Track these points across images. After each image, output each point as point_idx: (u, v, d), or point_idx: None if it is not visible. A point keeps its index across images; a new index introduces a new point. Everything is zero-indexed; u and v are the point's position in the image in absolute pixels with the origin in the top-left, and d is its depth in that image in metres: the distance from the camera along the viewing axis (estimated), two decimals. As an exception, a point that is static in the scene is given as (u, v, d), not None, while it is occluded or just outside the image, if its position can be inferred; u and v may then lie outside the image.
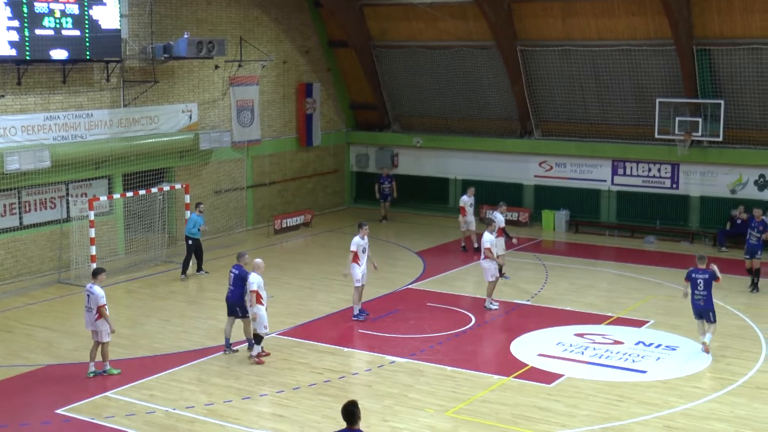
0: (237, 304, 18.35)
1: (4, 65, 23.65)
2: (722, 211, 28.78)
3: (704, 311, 18.29)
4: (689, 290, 18.38)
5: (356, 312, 20.83)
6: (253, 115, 31.05)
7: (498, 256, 22.06)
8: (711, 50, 27.81)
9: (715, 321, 18.35)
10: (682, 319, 20.35)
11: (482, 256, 21.68)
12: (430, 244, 29.04)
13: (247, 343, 18.56)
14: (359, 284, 20.66)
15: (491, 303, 21.63)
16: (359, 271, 20.56)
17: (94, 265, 23.59)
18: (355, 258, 20.57)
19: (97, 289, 17.14)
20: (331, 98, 35.02)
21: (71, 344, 19.26)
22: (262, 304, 17.78)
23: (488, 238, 21.63)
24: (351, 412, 9.85)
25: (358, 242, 20.62)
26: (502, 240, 23.97)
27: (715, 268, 18.31)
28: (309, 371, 17.53)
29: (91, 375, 17.24)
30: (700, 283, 18.19)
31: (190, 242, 24.83)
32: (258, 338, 17.95)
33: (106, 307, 17.08)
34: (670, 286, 23.59)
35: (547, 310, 21.70)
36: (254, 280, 17.79)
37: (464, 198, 28.24)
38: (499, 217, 24.39)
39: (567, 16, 29.58)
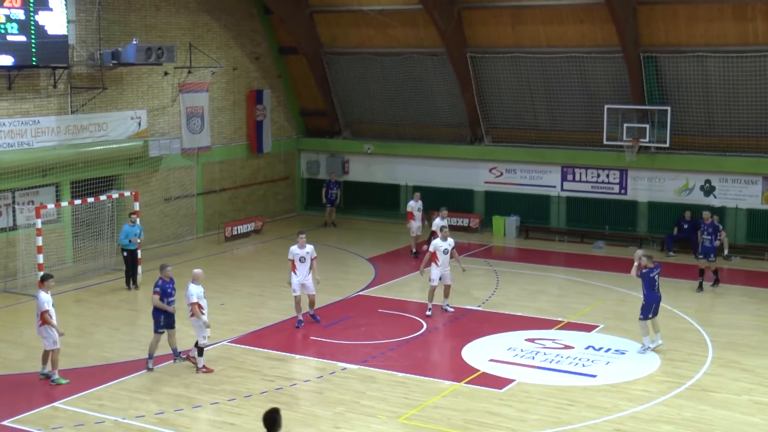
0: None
1: (-51, 71, 23.32)
2: (670, 216, 29.17)
3: (658, 304, 19.09)
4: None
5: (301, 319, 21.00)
6: (203, 122, 30.86)
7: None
8: (657, 57, 28.20)
9: None
10: (632, 324, 20.56)
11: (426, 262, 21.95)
12: (381, 251, 29.08)
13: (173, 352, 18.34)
14: (296, 294, 20.71)
15: (428, 310, 21.74)
16: (295, 280, 20.58)
17: (41, 274, 23.34)
18: (293, 267, 20.64)
19: (43, 295, 16.95)
20: (282, 105, 34.94)
21: (18, 354, 18.99)
22: (203, 314, 17.68)
23: (434, 243, 21.92)
24: (273, 418, 9.85)
25: (293, 251, 20.64)
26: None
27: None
28: (260, 379, 17.46)
29: (42, 377, 17.25)
30: (657, 278, 19.00)
31: (125, 253, 24.35)
32: (201, 349, 17.82)
33: (48, 312, 16.85)
34: (620, 290, 23.85)
35: (498, 316, 21.81)
36: (193, 291, 17.66)
37: (411, 203, 28.41)
38: (436, 222, 24.85)
39: (516, 23, 29.81)
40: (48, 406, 16.09)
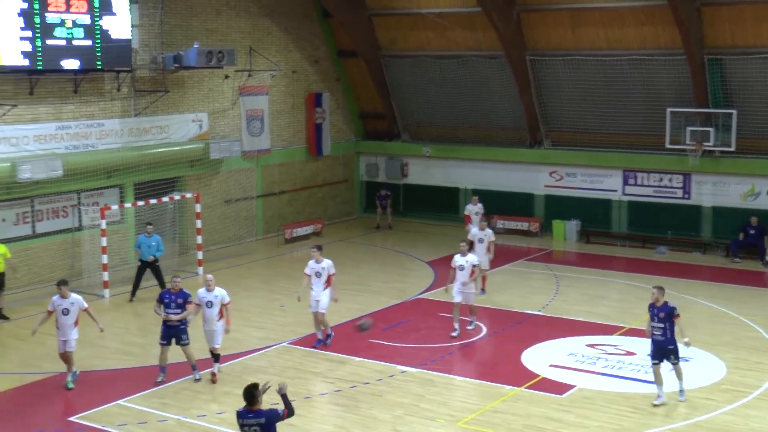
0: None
1: (17, 75, 23.74)
2: (735, 221, 28.67)
3: (661, 350, 16.24)
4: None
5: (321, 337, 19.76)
6: (262, 125, 31.09)
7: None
8: (722, 59, 27.75)
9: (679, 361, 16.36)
10: (695, 330, 20.25)
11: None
12: (440, 254, 28.98)
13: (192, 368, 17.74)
14: (312, 310, 19.55)
15: (454, 331, 20.31)
16: (311, 295, 19.46)
17: (106, 274, 23.71)
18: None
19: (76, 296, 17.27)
20: (341, 108, 35.06)
21: (84, 352, 19.23)
22: (223, 320, 17.47)
23: (454, 259, 20.61)
24: (251, 394, 11.20)
25: (309, 265, 19.45)
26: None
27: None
28: (320, 381, 17.52)
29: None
30: (656, 319, 16.22)
31: (139, 263, 23.60)
32: (217, 356, 17.56)
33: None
34: (683, 297, 23.51)
35: (559, 321, 21.64)
36: (200, 295, 17.40)
37: (469, 206, 28.24)
38: (473, 232, 24.03)
39: (576, 25, 29.57)
40: (113, 403, 16.31)
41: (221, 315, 17.45)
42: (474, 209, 27.98)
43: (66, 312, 17.00)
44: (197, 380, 17.34)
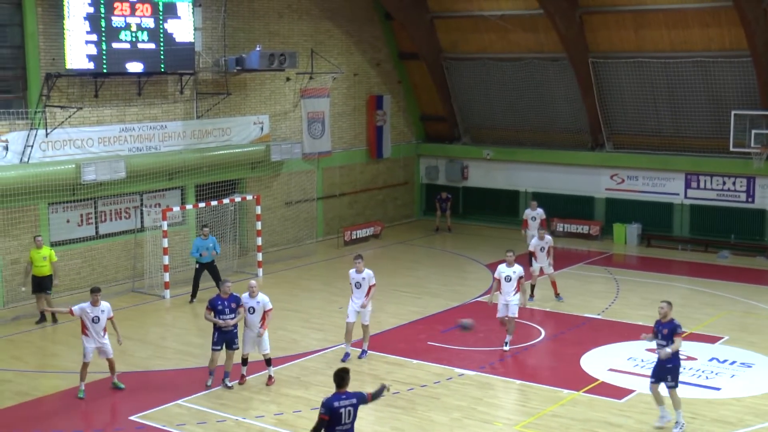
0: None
1: (83, 78, 24.17)
2: (799, 225, 28.20)
3: (662, 369, 15.24)
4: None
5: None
6: (323, 127, 31.26)
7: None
8: (789, 61, 27.31)
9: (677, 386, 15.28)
10: (759, 336, 19.98)
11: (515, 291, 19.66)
12: (499, 257, 28.60)
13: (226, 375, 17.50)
14: (349, 321, 18.86)
15: (505, 344, 19.57)
16: (351, 306, 18.91)
17: (167, 275, 24.00)
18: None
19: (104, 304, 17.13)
20: (402, 110, 35.11)
21: (145, 352, 19.56)
22: (261, 327, 17.23)
23: (498, 269, 19.86)
24: (341, 377, 11.59)
25: (351, 275, 18.91)
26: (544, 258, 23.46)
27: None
28: (378, 383, 17.49)
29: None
30: (660, 336, 15.32)
31: (197, 265, 23.79)
32: (268, 360, 17.46)
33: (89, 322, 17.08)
34: (746, 302, 23.16)
35: (619, 325, 21.44)
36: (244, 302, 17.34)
37: (527, 211, 27.69)
38: (533, 243, 23.78)
39: (639, 27, 29.28)
40: (173, 403, 16.52)
41: (263, 321, 17.27)
42: (532, 214, 27.38)
43: (97, 320, 16.90)
44: (229, 387, 17.25)
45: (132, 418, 15.86)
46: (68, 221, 24.42)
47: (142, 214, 25.72)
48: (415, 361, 18.84)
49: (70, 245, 24.28)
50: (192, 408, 16.29)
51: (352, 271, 18.94)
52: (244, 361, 17.55)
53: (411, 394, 16.91)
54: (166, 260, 24.08)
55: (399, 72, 34.76)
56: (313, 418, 15.69)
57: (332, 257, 29.16)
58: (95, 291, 17.01)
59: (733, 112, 28.06)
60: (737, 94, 28.54)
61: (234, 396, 16.88)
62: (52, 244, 23.19)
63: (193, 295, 23.75)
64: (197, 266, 23.78)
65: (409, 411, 16.03)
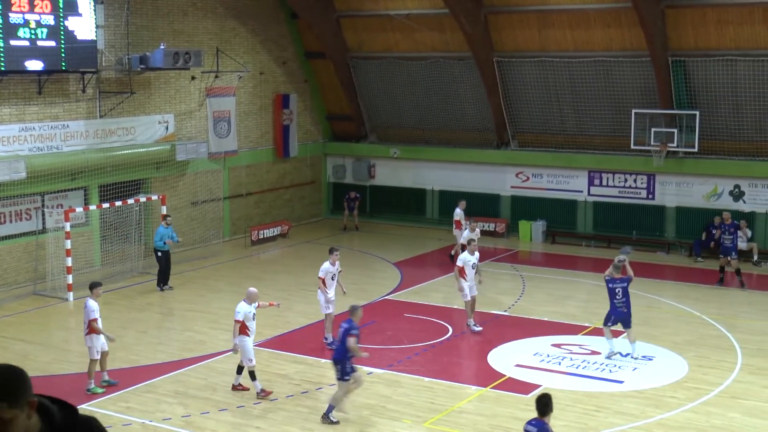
0: None
1: (-21, 76, 23.54)
2: (698, 221, 28.96)
3: (626, 318, 18.69)
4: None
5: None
6: (229, 126, 30.99)
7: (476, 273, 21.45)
8: (686, 62, 28.03)
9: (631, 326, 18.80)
10: (660, 330, 20.47)
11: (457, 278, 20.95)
12: (407, 255, 29.06)
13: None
14: (328, 312, 19.53)
15: (474, 325, 20.76)
16: (324, 298, 19.45)
17: (70, 277, 23.54)
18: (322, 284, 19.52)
19: (91, 303, 16.91)
20: (308, 109, 35.03)
21: (47, 356, 19.13)
22: (248, 335, 16.85)
23: (462, 257, 21.21)
24: (544, 403, 11.10)
25: (327, 269, 19.44)
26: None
27: (630, 273, 19.19)
28: (287, 382, 17.49)
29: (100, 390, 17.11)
30: (619, 291, 18.64)
31: (159, 254, 24.54)
32: (251, 374, 16.80)
33: (97, 321, 16.87)
34: (647, 296, 23.71)
35: (525, 321, 21.74)
36: (240, 310, 16.89)
37: (457, 211, 27.85)
38: (465, 234, 24.90)
39: (543, 27, 29.74)
40: (77, 407, 16.14)
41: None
42: (462, 213, 27.58)
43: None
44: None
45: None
46: (-34, 223, 23.80)
47: (43, 215, 25.15)
48: (323, 360, 18.80)
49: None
50: (96, 412, 15.97)
51: (326, 264, 19.45)
52: (251, 375, 16.90)
53: (320, 393, 16.89)
54: (69, 262, 23.60)
55: (305, 71, 34.66)
56: (219, 419, 15.60)
57: (239, 257, 28.94)
58: (97, 285, 17.32)
59: (633, 111, 28.71)
60: (637, 94, 29.20)
61: (140, 399, 16.63)
62: (-51, 247, 22.54)
63: (165, 281, 24.46)
64: (159, 254, 24.36)
65: (318, 411, 15.98)
